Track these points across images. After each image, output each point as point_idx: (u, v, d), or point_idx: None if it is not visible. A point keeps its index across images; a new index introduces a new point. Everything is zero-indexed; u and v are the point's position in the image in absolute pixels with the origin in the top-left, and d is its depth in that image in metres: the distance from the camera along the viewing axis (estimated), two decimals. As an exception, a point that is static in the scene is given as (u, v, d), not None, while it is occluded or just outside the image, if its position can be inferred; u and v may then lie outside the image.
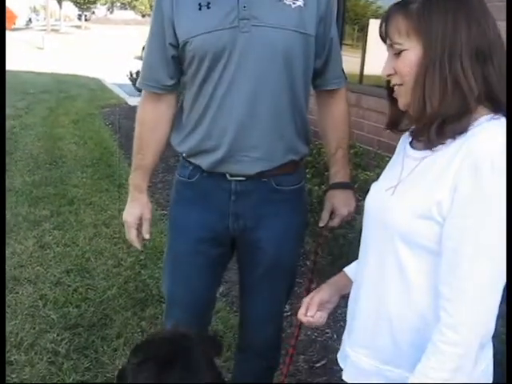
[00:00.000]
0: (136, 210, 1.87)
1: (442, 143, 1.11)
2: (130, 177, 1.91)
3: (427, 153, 1.15)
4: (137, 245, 1.90)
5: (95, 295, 3.24)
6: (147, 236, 1.87)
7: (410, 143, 1.24)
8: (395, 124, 1.28)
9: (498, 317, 1.08)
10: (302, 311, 1.42)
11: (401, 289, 1.17)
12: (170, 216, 1.95)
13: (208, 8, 1.60)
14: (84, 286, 3.35)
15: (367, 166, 4.14)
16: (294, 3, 1.61)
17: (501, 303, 1.07)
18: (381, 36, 1.20)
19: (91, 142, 7.01)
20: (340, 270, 3.44)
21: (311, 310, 1.40)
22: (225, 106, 1.65)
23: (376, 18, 5.71)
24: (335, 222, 1.91)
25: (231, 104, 1.64)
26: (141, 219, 1.86)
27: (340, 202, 1.90)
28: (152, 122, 1.81)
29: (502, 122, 1.09)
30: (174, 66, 1.72)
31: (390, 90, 1.23)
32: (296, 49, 1.64)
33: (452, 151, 1.09)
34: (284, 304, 1.86)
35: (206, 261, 1.83)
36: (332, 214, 1.91)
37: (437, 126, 1.10)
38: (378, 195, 1.26)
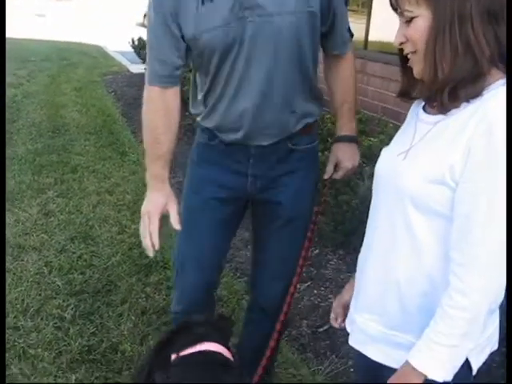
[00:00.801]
0: (160, 199, 1.80)
1: (456, 107, 1.10)
2: (149, 169, 1.83)
3: (440, 117, 1.13)
4: (155, 241, 1.78)
5: (100, 262, 3.26)
6: (178, 226, 1.79)
7: (424, 108, 1.22)
8: (407, 93, 1.26)
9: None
10: (332, 317, 1.52)
11: (410, 253, 1.17)
12: (188, 175, 1.95)
13: (211, 2, 1.58)
14: (88, 252, 3.37)
15: (371, 132, 4.11)
16: None
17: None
18: (391, 4, 1.18)
19: (94, 110, 6.98)
20: (343, 235, 3.47)
21: (340, 317, 1.48)
22: (239, 93, 1.70)
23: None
24: (339, 175, 1.94)
25: (245, 92, 1.69)
26: (164, 210, 1.80)
27: (344, 155, 1.92)
28: (163, 109, 1.76)
29: None
30: (181, 55, 1.70)
31: (403, 59, 1.21)
32: (303, 29, 1.64)
33: (466, 115, 1.07)
34: (297, 259, 1.87)
35: (219, 216, 1.89)
36: (336, 166, 1.93)
37: (450, 89, 1.09)
38: (389, 160, 1.25)
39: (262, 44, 1.62)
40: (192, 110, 1.90)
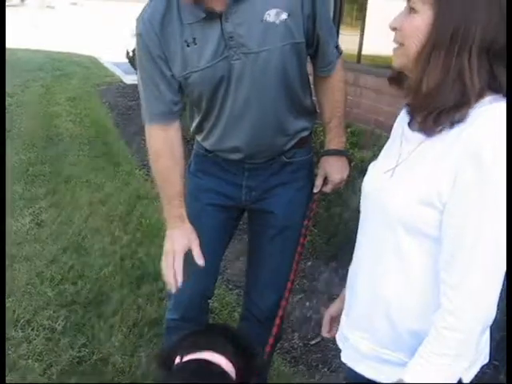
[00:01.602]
0: (184, 239, 1.78)
1: (439, 132, 1.08)
2: (166, 210, 1.82)
3: (425, 136, 1.12)
4: (179, 279, 1.73)
5: (91, 273, 3.25)
6: (201, 262, 1.76)
7: (409, 124, 1.21)
8: (398, 80, 1.23)
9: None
10: (323, 329, 1.54)
11: (399, 272, 1.16)
12: (186, 185, 1.96)
13: (195, 44, 1.60)
14: (80, 263, 3.36)
15: (364, 144, 4.14)
16: (278, 19, 1.58)
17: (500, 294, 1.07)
18: None
19: (87, 120, 6.98)
20: (336, 248, 3.47)
21: (326, 327, 1.52)
22: (231, 129, 1.75)
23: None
24: (328, 188, 1.96)
25: (237, 127, 1.74)
26: (187, 248, 1.79)
27: (333, 169, 1.94)
28: (168, 151, 1.77)
29: (503, 103, 1.05)
30: (176, 90, 1.71)
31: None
32: (289, 59, 1.66)
33: (452, 137, 1.06)
34: (290, 269, 1.88)
35: (216, 222, 1.93)
36: (325, 180, 1.95)
37: (434, 115, 1.07)
38: (376, 177, 1.24)
39: (249, 80, 1.64)
40: (191, 129, 1.93)
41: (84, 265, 3.34)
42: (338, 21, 5.57)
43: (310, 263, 3.43)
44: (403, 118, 1.25)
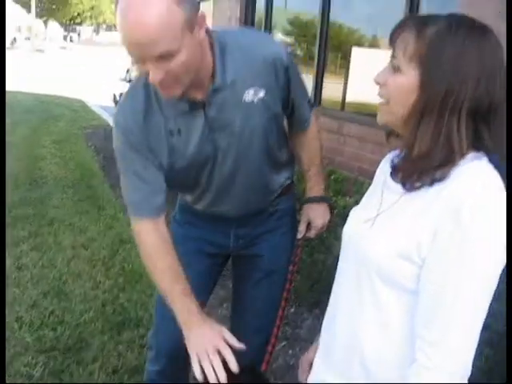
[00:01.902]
0: (210, 333, 1.60)
1: (420, 188, 1.08)
2: (179, 311, 1.62)
3: (405, 189, 1.12)
4: (221, 377, 1.51)
5: (72, 318, 3.19)
6: (235, 368, 1.54)
7: (391, 173, 1.21)
8: (395, 134, 1.23)
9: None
10: (301, 376, 1.50)
11: (377, 323, 1.16)
12: (171, 230, 1.96)
13: (180, 135, 1.59)
14: (61, 308, 3.30)
15: (347, 191, 4.18)
16: (256, 97, 1.60)
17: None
18: (390, 40, 1.13)
19: (72, 163, 6.99)
20: (319, 294, 3.45)
21: (305, 374, 1.47)
22: (218, 198, 1.79)
23: (358, 45, 5.82)
24: (312, 234, 2.00)
25: (224, 195, 1.78)
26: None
27: (316, 215, 1.99)
28: (161, 247, 1.65)
29: (484, 161, 1.06)
30: (163, 178, 1.65)
31: None
32: (269, 129, 1.69)
33: (432, 194, 1.06)
34: (275, 315, 1.87)
35: (201, 268, 1.93)
36: (308, 225, 1.99)
37: (417, 173, 1.08)
38: (356, 225, 1.24)
39: (234, 155, 1.67)
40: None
41: (64, 310, 3.29)
42: (322, 69, 5.68)
43: (292, 310, 3.41)
44: (385, 165, 1.25)
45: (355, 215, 1.28)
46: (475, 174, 1.04)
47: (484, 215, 0.99)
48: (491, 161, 1.06)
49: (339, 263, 1.31)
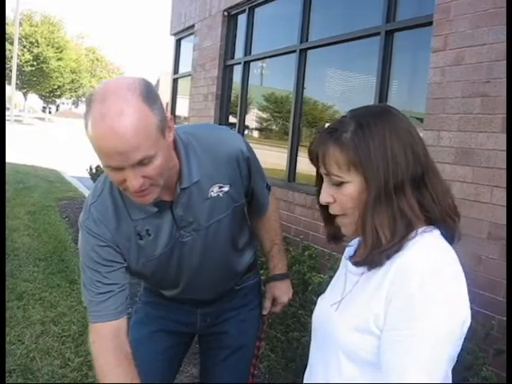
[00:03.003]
0: None
1: (382, 264, 1.13)
2: None
3: (365, 268, 1.17)
4: None
5: (38, 398, 3.08)
6: None
7: (350, 257, 1.26)
8: (337, 238, 1.31)
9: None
10: None
11: None
12: (135, 309, 1.99)
13: (149, 236, 1.61)
14: (27, 388, 3.19)
15: (322, 267, 4.18)
16: (221, 192, 1.65)
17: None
18: (312, 161, 1.21)
19: (45, 235, 6.90)
20: (294, 374, 3.39)
21: None
22: (186, 290, 1.81)
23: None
24: (278, 309, 2.06)
25: (192, 287, 1.80)
26: None
27: (280, 291, 2.03)
28: (122, 354, 1.56)
29: (435, 234, 1.14)
30: (126, 280, 1.65)
31: (326, 213, 1.24)
32: (233, 219, 1.74)
33: (387, 265, 1.12)
34: None
35: (166, 346, 1.92)
36: (274, 301, 2.03)
37: (377, 253, 1.12)
38: (323, 309, 1.29)
39: (200, 249, 1.70)
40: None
41: (30, 389, 3.17)
42: (296, 144, 5.81)
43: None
44: (351, 250, 1.31)
45: (323, 301, 1.33)
46: (424, 245, 1.10)
47: (433, 286, 1.03)
48: (443, 234, 1.14)
49: (310, 347, 1.33)
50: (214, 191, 1.63)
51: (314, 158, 1.20)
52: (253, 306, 2.01)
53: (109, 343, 1.56)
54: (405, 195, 1.12)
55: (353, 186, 1.15)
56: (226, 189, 1.65)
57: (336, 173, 1.15)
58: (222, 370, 1.94)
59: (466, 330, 1.08)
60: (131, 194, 1.42)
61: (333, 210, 1.20)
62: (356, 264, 1.20)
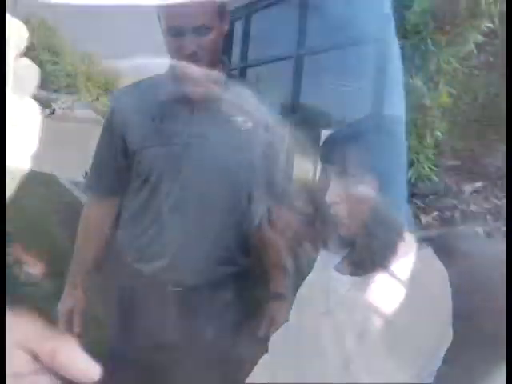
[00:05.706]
0: (68, 302, 1.72)
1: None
2: (69, 272, 1.78)
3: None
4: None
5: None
6: (76, 329, 1.70)
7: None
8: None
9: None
10: None
11: None
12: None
13: (161, 122, 1.59)
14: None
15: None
16: (243, 126, 1.58)
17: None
18: (325, 161, 1.18)
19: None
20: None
21: None
22: (170, 226, 1.61)
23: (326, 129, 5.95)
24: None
25: (176, 226, 1.61)
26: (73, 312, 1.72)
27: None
28: (97, 218, 1.76)
29: (430, 250, 1.13)
30: (123, 174, 1.68)
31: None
32: (241, 168, 1.60)
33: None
34: None
35: None
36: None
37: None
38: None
39: (199, 177, 1.58)
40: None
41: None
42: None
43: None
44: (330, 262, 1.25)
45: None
46: (421, 260, 1.09)
47: (428, 295, 1.04)
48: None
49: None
50: (238, 122, 1.60)
51: (328, 158, 1.18)
52: None
53: (95, 207, 1.77)
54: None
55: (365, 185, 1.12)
56: (249, 125, 1.61)
57: (352, 172, 1.12)
58: None
59: None
60: (184, 59, 1.53)
61: (337, 212, 1.17)
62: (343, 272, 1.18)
